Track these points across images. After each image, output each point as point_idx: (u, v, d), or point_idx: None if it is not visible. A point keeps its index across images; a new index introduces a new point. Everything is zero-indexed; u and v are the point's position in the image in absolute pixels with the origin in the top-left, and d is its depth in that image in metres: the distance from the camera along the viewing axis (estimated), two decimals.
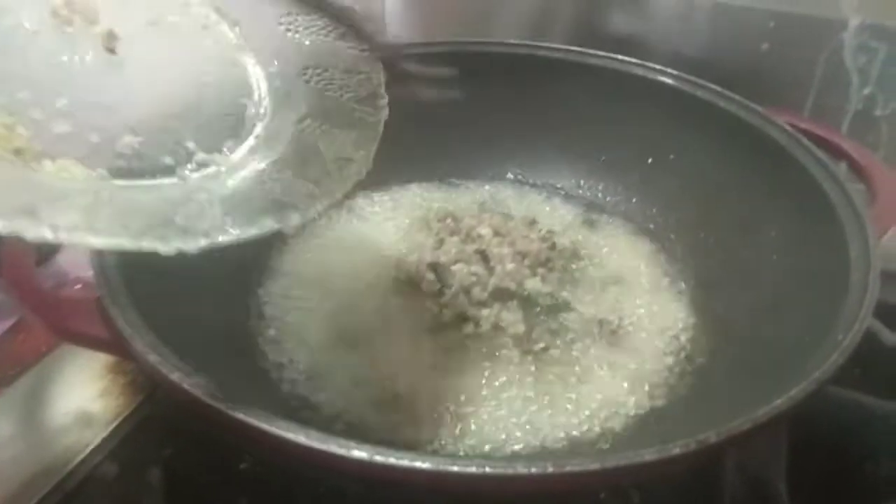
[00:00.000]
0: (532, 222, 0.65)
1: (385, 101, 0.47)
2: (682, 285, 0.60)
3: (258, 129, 0.44)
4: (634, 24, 0.77)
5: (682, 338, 0.55)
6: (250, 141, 0.43)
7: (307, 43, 0.49)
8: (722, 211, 0.61)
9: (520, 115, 0.71)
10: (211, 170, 0.41)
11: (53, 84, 0.38)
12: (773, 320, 0.49)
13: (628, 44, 0.76)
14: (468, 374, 0.52)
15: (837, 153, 0.59)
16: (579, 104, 0.69)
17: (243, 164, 0.42)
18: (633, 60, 0.67)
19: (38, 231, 0.30)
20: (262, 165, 0.42)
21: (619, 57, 0.68)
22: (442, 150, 0.71)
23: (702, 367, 0.52)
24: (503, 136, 0.72)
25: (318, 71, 0.48)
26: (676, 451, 0.33)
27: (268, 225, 0.37)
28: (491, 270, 0.58)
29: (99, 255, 0.44)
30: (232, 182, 0.40)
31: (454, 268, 0.58)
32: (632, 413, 0.49)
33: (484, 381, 0.51)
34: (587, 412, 0.49)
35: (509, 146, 0.72)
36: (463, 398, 0.50)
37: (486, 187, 0.72)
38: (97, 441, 0.51)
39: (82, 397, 0.54)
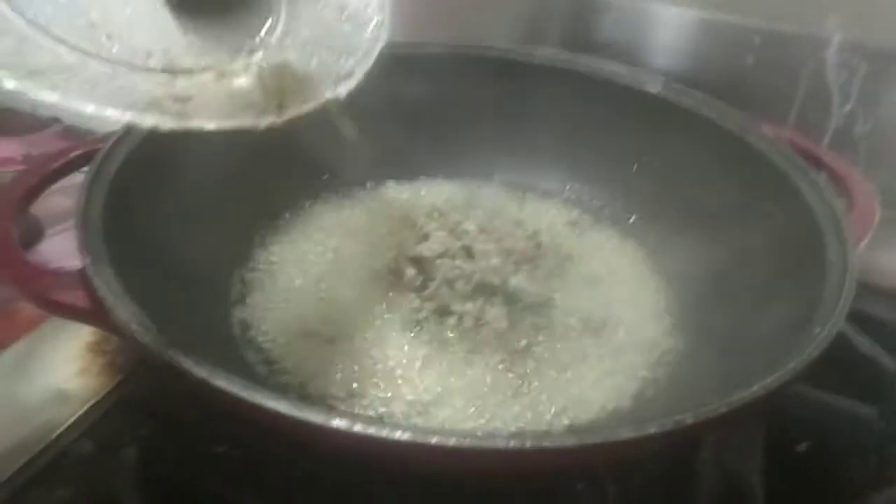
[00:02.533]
0: (518, 222, 0.66)
1: None
2: (664, 285, 0.60)
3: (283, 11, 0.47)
4: (621, 37, 0.79)
5: (664, 335, 0.56)
6: (281, 24, 0.46)
7: None
8: (704, 215, 0.61)
9: (508, 117, 0.72)
10: (260, 55, 0.44)
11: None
12: (753, 318, 0.50)
13: (615, 57, 0.77)
14: (449, 368, 0.52)
15: (817, 163, 0.60)
16: (567, 109, 0.70)
17: (282, 47, 0.45)
18: (621, 69, 0.69)
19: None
20: (296, 48, 0.46)
21: (608, 65, 0.69)
22: (430, 148, 0.72)
23: (683, 363, 0.53)
24: (491, 138, 0.72)
25: None
26: (652, 430, 0.34)
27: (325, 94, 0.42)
28: (475, 265, 0.58)
29: (84, 227, 0.44)
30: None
31: (438, 261, 0.58)
32: (611, 407, 0.50)
33: (465, 376, 0.51)
34: (567, 406, 0.50)
35: (497, 147, 0.73)
36: (440, 390, 0.50)
37: (473, 187, 0.72)
38: (73, 419, 0.50)
39: (60, 376, 0.53)
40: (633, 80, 0.68)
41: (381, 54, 0.69)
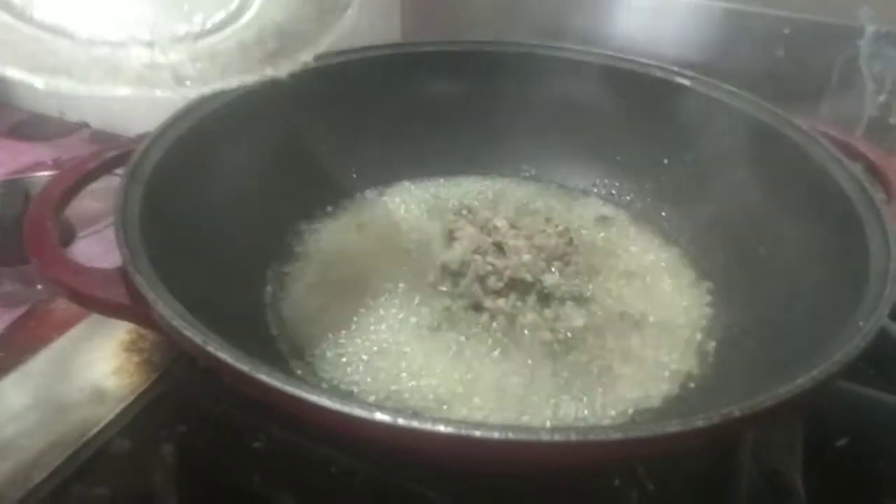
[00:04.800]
0: (548, 218, 0.66)
1: None
2: (700, 279, 0.60)
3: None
4: (647, 31, 0.78)
5: (703, 329, 0.55)
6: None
7: None
8: (738, 209, 0.61)
9: (536, 113, 0.71)
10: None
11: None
12: (794, 311, 0.49)
13: (645, 50, 0.76)
14: (482, 364, 0.52)
15: (853, 154, 0.59)
16: (596, 104, 0.70)
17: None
18: (651, 62, 0.68)
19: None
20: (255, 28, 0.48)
21: (638, 59, 0.69)
22: (458, 145, 0.72)
23: (723, 356, 0.52)
24: (520, 134, 0.72)
25: None
26: (700, 423, 0.33)
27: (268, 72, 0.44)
28: (507, 261, 0.58)
29: (123, 226, 0.45)
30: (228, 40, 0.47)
31: (469, 258, 0.58)
32: (654, 403, 0.49)
33: (499, 372, 0.51)
34: (610, 402, 0.49)
35: (526, 144, 0.73)
36: (473, 387, 0.50)
37: (501, 183, 0.72)
38: (110, 416, 0.51)
39: (97, 374, 0.54)
40: (663, 73, 0.67)
41: (405, 54, 0.70)
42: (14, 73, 0.36)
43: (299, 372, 0.51)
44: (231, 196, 0.56)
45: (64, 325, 0.59)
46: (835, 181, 0.54)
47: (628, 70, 0.69)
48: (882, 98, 0.70)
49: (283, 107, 0.62)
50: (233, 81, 0.44)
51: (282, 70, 0.47)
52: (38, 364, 0.55)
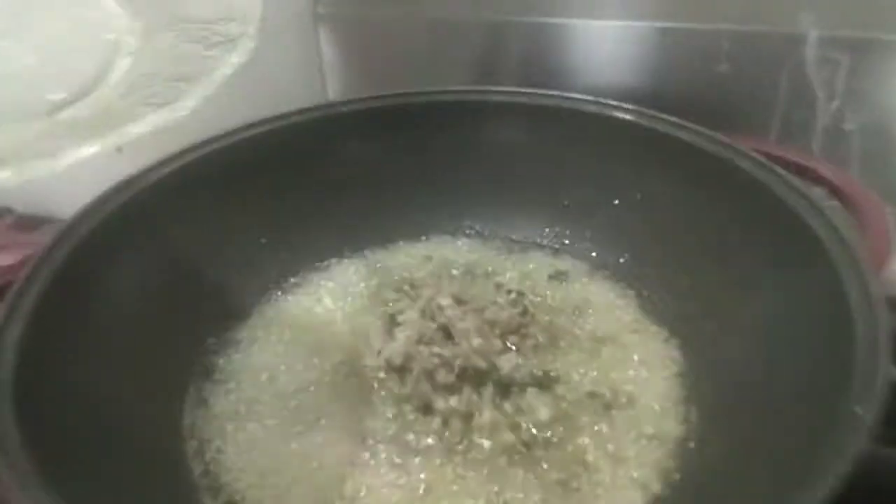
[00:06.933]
0: (498, 284, 0.60)
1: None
2: (670, 337, 0.54)
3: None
4: (587, 59, 0.73)
5: (681, 404, 0.49)
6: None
7: None
8: (698, 252, 0.56)
9: (474, 164, 0.66)
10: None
11: None
12: (772, 382, 0.44)
13: (575, 80, 0.71)
14: (441, 488, 0.45)
15: (814, 178, 0.55)
16: (535, 148, 0.65)
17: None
18: (587, 97, 0.62)
19: None
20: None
21: (572, 95, 0.63)
22: (394, 209, 0.66)
23: (705, 439, 0.46)
24: (458, 189, 0.66)
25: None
26: None
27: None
28: (456, 348, 0.52)
29: None
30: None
31: (413, 351, 0.52)
32: None
33: (460, 497, 0.44)
34: None
35: (465, 199, 0.67)
36: None
37: (445, 245, 0.66)
38: None
39: None
40: (599, 108, 0.62)
41: (323, 117, 0.64)
42: None
43: None
44: (123, 340, 0.49)
45: None
46: (797, 216, 0.48)
47: (564, 108, 0.63)
48: (834, 105, 0.65)
49: (189, 200, 0.56)
50: (99, 145, 0.42)
51: (161, 119, 0.43)
52: None
